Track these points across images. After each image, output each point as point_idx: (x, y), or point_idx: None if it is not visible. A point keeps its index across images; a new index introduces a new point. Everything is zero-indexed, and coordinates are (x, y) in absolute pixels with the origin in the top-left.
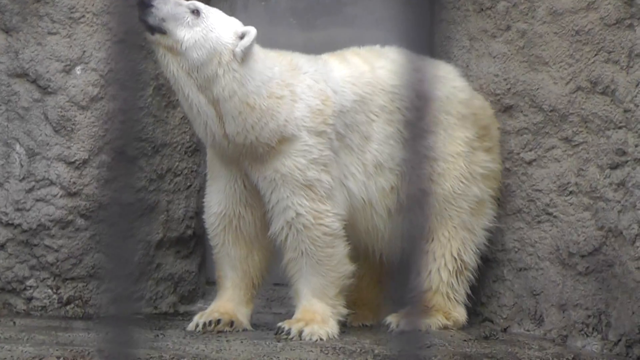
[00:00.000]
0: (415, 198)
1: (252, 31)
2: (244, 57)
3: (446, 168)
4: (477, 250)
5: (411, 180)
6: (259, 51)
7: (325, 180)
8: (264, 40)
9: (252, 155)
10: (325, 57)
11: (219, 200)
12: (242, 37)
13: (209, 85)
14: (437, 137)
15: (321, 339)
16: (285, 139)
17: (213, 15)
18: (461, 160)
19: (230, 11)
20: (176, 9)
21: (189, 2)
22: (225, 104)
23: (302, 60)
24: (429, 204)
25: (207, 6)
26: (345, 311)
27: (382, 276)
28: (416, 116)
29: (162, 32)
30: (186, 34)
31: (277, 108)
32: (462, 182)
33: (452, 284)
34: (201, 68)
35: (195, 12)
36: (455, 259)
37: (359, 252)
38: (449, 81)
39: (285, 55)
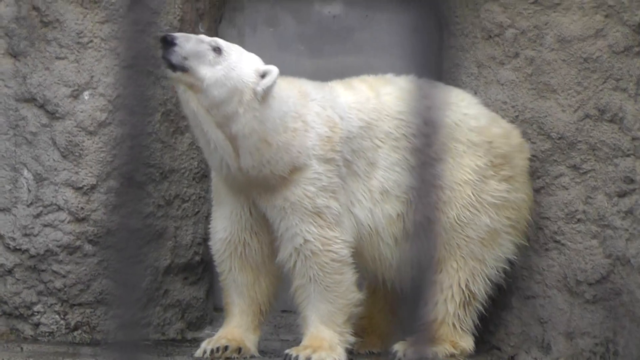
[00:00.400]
0: (421, 226)
1: (274, 71)
2: (265, 96)
3: (452, 196)
4: (488, 281)
5: (417, 207)
6: (276, 87)
7: (333, 207)
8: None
9: (263, 185)
10: (331, 84)
11: (224, 226)
12: (263, 75)
13: (228, 123)
14: (444, 165)
15: None
16: (296, 169)
17: (235, 53)
18: (469, 188)
19: (238, 37)
20: (198, 47)
21: (211, 39)
22: (243, 141)
23: (309, 87)
24: (435, 232)
25: (228, 44)
26: (352, 339)
27: (393, 304)
28: (424, 143)
29: (184, 70)
30: (208, 72)
31: (292, 141)
32: (469, 210)
33: (459, 315)
34: (221, 106)
35: (217, 50)
36: (462, 290)
37: (369, 280)
38: (460, 108)
39: (294, 83)
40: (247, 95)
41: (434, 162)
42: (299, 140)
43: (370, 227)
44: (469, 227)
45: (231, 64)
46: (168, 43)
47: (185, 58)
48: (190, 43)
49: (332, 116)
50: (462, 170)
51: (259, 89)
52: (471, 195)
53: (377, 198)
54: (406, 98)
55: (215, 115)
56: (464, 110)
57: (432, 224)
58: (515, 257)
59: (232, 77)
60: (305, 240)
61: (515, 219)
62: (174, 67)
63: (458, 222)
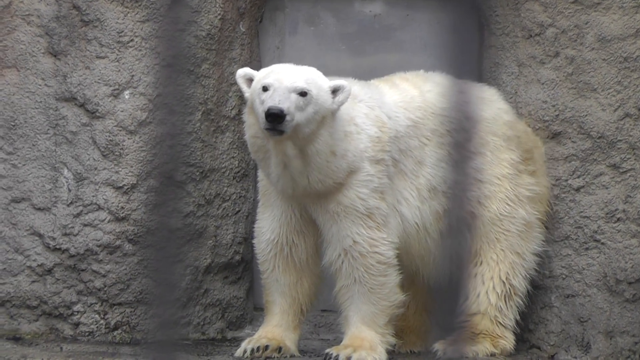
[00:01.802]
0: (462, 220)
1: (346, 87)
2: (337, 110)
3: (493, 190)
4: (527, 276)
5: (458, 202)
6: None
7: (382, 207)
8: (313, 65)
9: (317, 195)
10: (375, 82)
11: (272, 227)
12: (334, 91)
13: (307, 144)
14: (484, 159)
15: None
16: (351, 172)
17: (314, 86)
18: (507, 182)
19: (279, 36)
20: (292, 100)
21: (295, 86)
22: (316, 158)
23: (356, 88)
24: (475, 227)
25: (307, 79)
26: (393, 340)
27: (429, 303)
28: (464, 138)
29: (292, 128)
30: (302, 117)
31: (348, 146)
32: (507, 204)
33: (501, 307)
34: (309, 136)
35: (304, 94)
36: (503, 282)
37: (409, 278)
38: (494, 103)
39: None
40: (328, 116)
41: (475, 156)
42: (353, 144)
43: (417, 224)
44: (507, 220)
45: (315, 99)
46: (279, 116)
47: (292, 120)
48: (290, 104)
49: (380, 116)
50: (501, 164)
51: (335, 106)
52: (509, 189)
53: (425, 196)
54: (447, 93)
55: (299, 145)
56: (497, 104)
57: (475, 218)
58: (547, 250)
59: (319, 112)
60: (355, 242)
61: (542, 212)
62: (285, 133)
63: (498, 215)
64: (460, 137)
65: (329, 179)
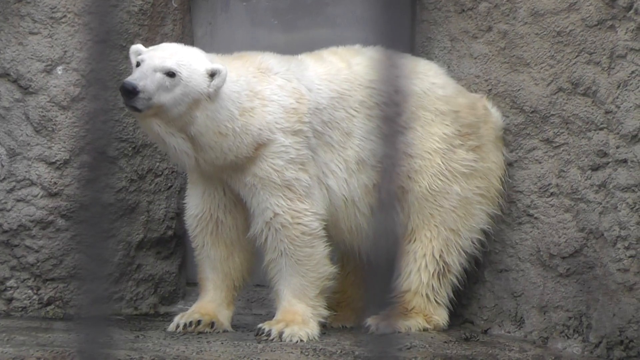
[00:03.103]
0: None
1: (222, 71)
2: (215, 94)
3: (423, 165)
4: (463, 253)
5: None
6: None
7: (303, 179)
8: (245, 41)
9: (231, 168)
10: (301, 56)
11: (196, 203)
12: (212, 74)
13: (186, 127)
14: (414, 134)
15: (301, 340)
16: (261, 145)
17: (185, 68)
18: (438, 157)
19: (211, 12)
20: (155, 79)
21: (162, 65)
22: (201, 138)
23: (272, 61)
24: (406, 201)
25: (178, 60)
26: (326, 313)
27: (366, 277)
28: (394, 111)
29: (149, 107)
30: (168, 97)
31: (250, 121)
32: (440, 179)
33: (433, 285)
34: (180, 117)
35: (171, 74)
36: (437, 260)
37: (343, 252)
38: (427, 77)
39: (253, 58)
40: (202, 100)
41: (404, 130)
42: (257, 119)
43: (345, 197)
44: (440, 195)
45: (185, 81)
46: (132, 93)
47: (149, 98)
48: (148, 81)
49: (298, 88)
50: (431, 139)
51: (211, 90)
52: (441, 164)
53: (353, 168)
54: (376, 67)
55: (174, 125)
56: (432, 79)
57: (406, 193)
58: (489, 228)
59: (188, 93)
60: (275, 214)
61: (485, 188)
62: (140, 110)
63: (430, 191)
64: (389, 111)
65: (228, 156)
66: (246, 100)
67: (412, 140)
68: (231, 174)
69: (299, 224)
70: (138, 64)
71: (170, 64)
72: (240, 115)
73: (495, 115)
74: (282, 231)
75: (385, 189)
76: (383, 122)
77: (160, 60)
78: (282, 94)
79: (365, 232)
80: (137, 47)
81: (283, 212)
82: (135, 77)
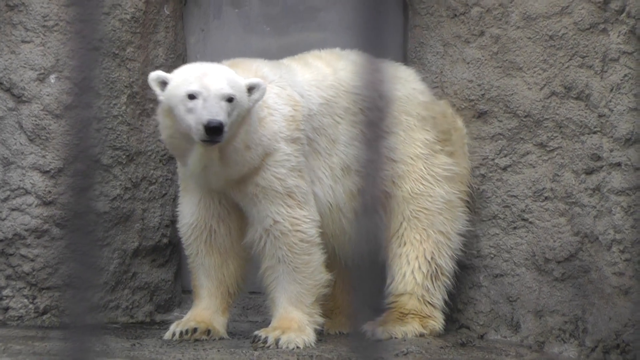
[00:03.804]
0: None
1: (262, 85)
2: (252, 107)
3: (406, 170)
4: (454, 255)
5: (371, 181)
6: None
7: (302, 186)
8: (238, 48)
9: (236, 180)
10: (286, 61)
11: (191, 211)
12: (250, 89)
13: (226, 145)
14: (397, 139)
15: (298, 347)
16: (267, 154)
17: (237, 89)
18: (420, 162)
19: (203, 19)
20: (224, 108)
21: (223, 93)
22: (232, 155)
23: (265, 69)
24: (390, 206)
25: (230, 83)
26: (321, 320)
27: (356, 283)
28: (377, 117)
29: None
30: (230, 122)
31: (262, 131)
32: (422, 183)
33: (428, 287)
34: (231, 137)
35: (230, 100)
36: (429, 262)
37: (328, 258)
38: (409, 83)
39: (248, 66)
40: (246, 116)
41: (388, 135)
42: (268, 128)
43: (330, 203)
44: (424, 198)
45: (239, 102)
46: (219, 130)
47: (227, 131)
48: (223, 113)
49: (292, 95)
50: (413, 144)
51: (251, 104)
52: (423, 169)
53: (338, 175)
54: (360, 72)
55: (221, 146)
56: (412, 84)
57: (389, 198)
58: (469, 231)
59: (240, 112)
60: (275, 221)
61: (463, 192)
62: (219, 142)
63: (412, 194)
64: (373, 116)
65: (245, 168)
66: (260, 111)
67: (395, 145)
68: (233, 186)
69: (298, 231)
70: (192, 97)
71: (229, 90)
72: (259, 126)
73: (459, 122)
74: (282, 238)
75: (368, 194)
76: (367, 127)
77: (219, 87)
78: (280, 102)
79: (349, 236)
80: (159, 74)
81: (283, 219)
82: (214, 113)
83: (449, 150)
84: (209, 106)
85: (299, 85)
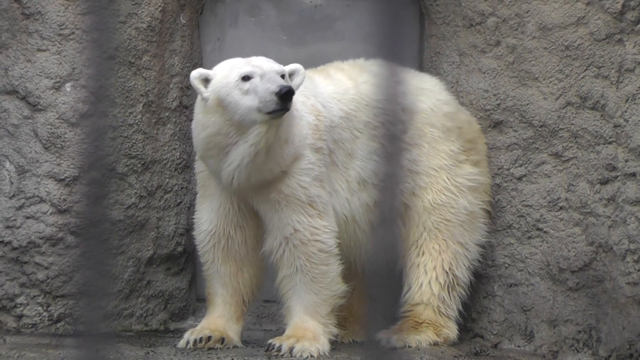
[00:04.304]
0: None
1: (301, 70)
2: None
3: (428, 182)
4: (470, 266)
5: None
6: None
7: (323, 195)
8: (254, 56)
9: (259, 185)
10: (309, 73)
11: (210, 219)
12: (290, 75)
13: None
14: (420, 150)
15: (312, 356)
16: (295, 160)
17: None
18: (444, 173)
19: (220, 27)
20: (284, 80)
21: (278, 69)
22: (274, 146)
23: None
24: (409, 217)
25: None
26: (336, 331)
27: (372, 293)
28: (399, 129)
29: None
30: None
31: (294, 131)
32: (444, 194)
33: (444, 297)
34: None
35: (283, 77)
36: (446, 272)
37: (349, 269)
38: (433, 94)
39: None
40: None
41: (410, 147)
42: (298, 129)
43: (346, 215)
44: (446, 209)
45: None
46: (291, 93)
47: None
48: (285, 80)
49: (315, 105)
50: (437, 155)
51: (295, 89)
52: (446, 180)
53: (354, 188)
54: (382, 85)
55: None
56: (437, 95)
57: (408, 209)
58: (489, 242)
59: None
60: (295, 230)
61: (486, 202)
62: (287, 110)
63: (433, 205)
64: (394, 129)
65: (278, 167)
66: (292, 109)
67: (418, 157)
68: (257, 191)
69: (317, 240)
70: (246, 78)
71: (280, 67)
72: (292, 122)
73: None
74: (301, 247)
75: (387, 206)
76: (387, 141)
77: (271, 65)
78: (305, 111)
79: (364, 247)
80: (201, 71)
81: (303, 228)
82: (279, 81)
83: (475, 160)
84: (270, 78)
85: (321, 96)
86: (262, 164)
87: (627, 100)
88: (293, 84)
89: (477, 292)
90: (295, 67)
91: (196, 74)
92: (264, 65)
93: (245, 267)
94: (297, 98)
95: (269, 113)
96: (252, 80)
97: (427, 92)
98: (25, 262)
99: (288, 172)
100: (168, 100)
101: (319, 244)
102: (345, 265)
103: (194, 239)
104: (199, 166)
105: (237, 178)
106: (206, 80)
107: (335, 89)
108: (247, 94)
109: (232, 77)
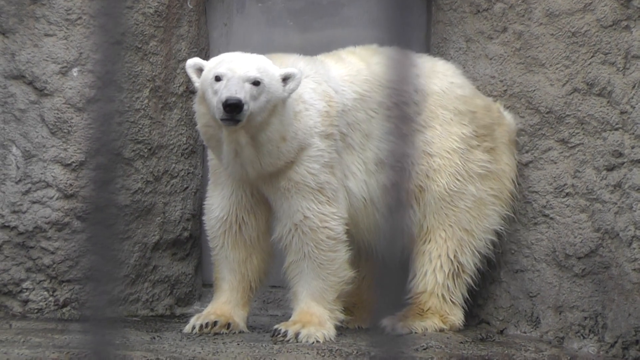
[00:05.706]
0: (410, 194)
1: (297, 75)
2: (288, 98)
3: (442, 164)
4: (477, 253)
5: (405, 175)
6: None
7: (333, 182)
8: (261, 42)
9: (269, 174)
10: (321, 57)
11: (222, 205)
12: (285, 78)
13: (258, 134)
14: (433, 132)
15: (318, 342)
16: (302, 149)
17: (266, 75)
18: (457, 156)
19: (227, 13)
20: (247, 90)
21: (248, 75)
22: (267, 145)
23: (301, 64)
24: (424, 201)
25: (259, 68)
26: (342, 316)
27: (382, 279)
28: (414, 111)
29: (245, 118)
30: (256, 106)
31: (298, 125)
32: (457, 179)
33: (448, 286)
34: (260, 124)
35: (257, 83)
36: (451, 260)
37: (361, 254)
38: (447, 77)
39: (285, 60)
40: (279, 105)
41: (424, 129)
42: (303, 122)
43: (364, 198)
44: (457, 196)
45: (267, 87)
46: (238, 107)
47: (247, 110)
48: (243, 93)
49: (327, 90)
50: (450, 138)
51: (286, 94)
52: (459, 163)
53: (371, 169)
54: (396, 66)
55: (250, 133)
56: (450, 79)
57: (423, 192)
58: (501, 229)
59: (270, 99)
60: (305, 217)
61: (498, 190)
62: (240, 122)
63: (447, 191)
64: (408, 110)
65: (280, 161)
66: (295, 105)
67: (431, 139)
68: (266, 179)
69: (326, 227)
70: (218, 79)
71: (255, 73)
72: (294, 120)
73: (508, 118)
74: (310, 234)
75: (403, 188)
76: (402, 122)
77: (245, 70)
78: (316, 97)
79: (383, 231)
80: (196, 60)
81: (313, 215)
82: (234, 91)
83: (488, 146)
84: (229, 85)
85: (333, 80)
86: (257, 160)
87: (634, 86)
88: (285, 88)
89: (483, 278)
90: (290, 72)
91: (191, 62)
92: (236, 69)
93: (255, 253)
94: (306, 86)
95: (221, 120)
96: (220, 82)
97: (440, 75)
98: (32, 247)
99: (296, 161)
100: (175, 86)
101: (327, 230)
102: (353, 252)
103: (204, 224)
104: (210, 153)
105: (239, 169)
106: (200, 70)
107: (347, 72)
108: (215, 94)
109: (209, 74)
